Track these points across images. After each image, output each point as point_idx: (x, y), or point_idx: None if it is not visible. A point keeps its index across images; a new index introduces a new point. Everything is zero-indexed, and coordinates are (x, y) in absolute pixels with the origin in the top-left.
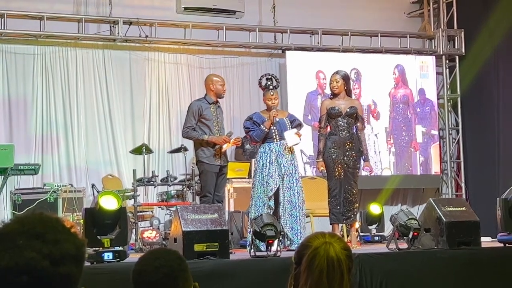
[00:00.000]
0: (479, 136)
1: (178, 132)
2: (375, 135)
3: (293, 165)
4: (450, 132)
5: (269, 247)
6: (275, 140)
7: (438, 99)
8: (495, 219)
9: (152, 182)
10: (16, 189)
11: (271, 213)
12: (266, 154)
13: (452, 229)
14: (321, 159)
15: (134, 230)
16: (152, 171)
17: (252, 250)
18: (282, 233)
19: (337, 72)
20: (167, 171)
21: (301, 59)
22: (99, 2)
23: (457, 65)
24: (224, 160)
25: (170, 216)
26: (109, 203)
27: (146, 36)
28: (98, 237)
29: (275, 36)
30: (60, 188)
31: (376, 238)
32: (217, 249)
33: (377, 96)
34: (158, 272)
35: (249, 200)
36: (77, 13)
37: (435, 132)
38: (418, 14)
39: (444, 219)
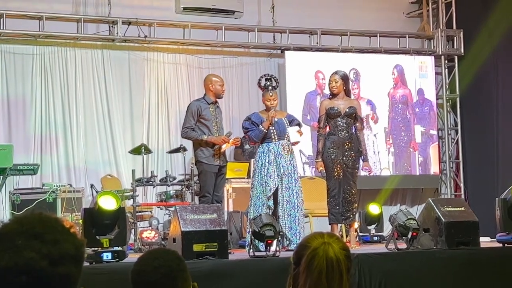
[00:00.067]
0: (478, 136)
1: (177, 132)
2: (374, 135)
3: (292, 165)
4: (449, 132)
5: (268, 247)
6: (273, 140)
7: (437, 99)
8: (494, 219)
9: (151, 182)
10: (15, 189)
11: (270, 213)
12: (265, 154)
13: (451, 229)
14: (320, 159)
15: (133, 230)
16: (151, 171)
17: (251, 250)
18: (281, 233)
19: (336, 72)
20: (166, 171)
21: (300, 59)
22: (98, 2)
23: (456, 65)
24: (223, 160)
25: (169, 216)
26: (108, 203)
27: (145, 36)
28: (97, 237)
29: (274, 36)
30: (59, 188)
31: (375, 238)
32: (216, 249)
33: (376, 96)
34: (157, 272)
35: (248, 200)
36: (76, 13)
37: (434, 132)
38: (417, 14)
39: (443, 219)
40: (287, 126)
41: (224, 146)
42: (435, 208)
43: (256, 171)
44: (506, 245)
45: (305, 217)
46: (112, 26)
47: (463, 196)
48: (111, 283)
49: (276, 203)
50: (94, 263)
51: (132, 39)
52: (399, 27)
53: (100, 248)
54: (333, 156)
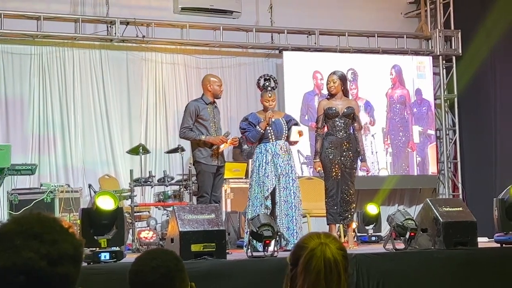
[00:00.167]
0: (476, 137)
1: (175, 132)
2: (372, 135)
3: (290, 165)
4: (447, 132)
5: (266, 248)
6: (271, 140)
7: (435, 99)
8: (492, 220)
9: (149, 182)
10: (13, 189)
11: (268, 213)
12: (262, 154)
13: (449, 229)
14: (318, 160)
15: (131, 230)
16: (149, 171)
17: (249, 250)
18: (279, 233)
19: (334, 73)
20: (164, 171)
21: (298, 59)
22: (96, 2)
23: (454, 65)
24: (221, 161)
25: (167, 216)
26: (106, 204)
27: (143, 36)
28: (95, 237)
29: (272, 37)
30: (57, 188)
31: (373, 238)
32: (214, 249)
33: (374, 97)
34: (154, 272)
35: (246, 201)
36: (74, 13)
37: (432, 132)
38: (415, 15)
39: (441, 220)
40: (284, 126)
41: (222, 146)
42: (433, 208)
43: (254, 171)
44: (504, 245)
45: (303, 217)
46: (110, 26)
47: (461, 196)
48: (109, 283)
49: (273, 203)
50: (92, 263)
51: (130, 39)
52: (397, 27)
53: (98, 248)
54: (331, 156)
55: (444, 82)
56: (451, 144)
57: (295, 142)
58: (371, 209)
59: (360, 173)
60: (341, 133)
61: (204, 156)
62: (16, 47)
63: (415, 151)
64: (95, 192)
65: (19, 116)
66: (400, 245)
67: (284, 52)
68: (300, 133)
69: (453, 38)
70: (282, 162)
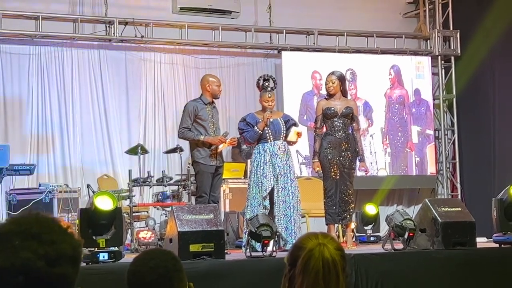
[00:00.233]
0: (475, 137)
1: (174, 132)
2: (371, 135)
3: (288, 165)
4: (446, 132)
5: (265, 248)
6: (269, 140)
7: (433, 99)
8: (490, 220)
9: (147, 183)
10: (11, 190)
11: (267, 213)
12: (260, 154)
13: (447, 229)
14: (317, 160)
15: (129, 230)
16: (148, 172)
17: (248, 250)
18: (277, 233)
19: (332, 73)
20: (162, 171)
21: (297, 59)
22: (94, 2)
23: (453, 65)
24: (219, 161)
25: (166, 216)
26: (104, 204)
27: (142, 36)
28: (94, 237)
29: (270, 37)
30: (55, 189)
31: (372, 238)
32: (212, 249)
33: (373, 97)
34: (152, 272)
35: (245, 201)
36: (73, 13)
37: (431, 133)
38: (413, 15)
39: (440, 220)
40: (282, 127)
41: (220, 146)
42: (432, 209)
43: (252, 171)
44: (502, 245)
45: (302, 217)
46: (108, 26)
47: (459, 197)
48: (107, 283)
49: (272, 203)
50: (90, 263)
51: (128, 39)
52: (396, 28)
53: (96, 249)
54: (329, 157)
55: (443, 82)
56: (450, 144)
57: (293, 143)
58: (370, 209)
59: (359, 173)
60: (339, 133)
61: (203, 156)
62: (14, 47)
63: (414, 151)
64: (93, 192)
65: (17, 116)
66: (399, 245)
67: (283, 52)
68: (299, 134)
69: (451, 38)
70: (281, 162)
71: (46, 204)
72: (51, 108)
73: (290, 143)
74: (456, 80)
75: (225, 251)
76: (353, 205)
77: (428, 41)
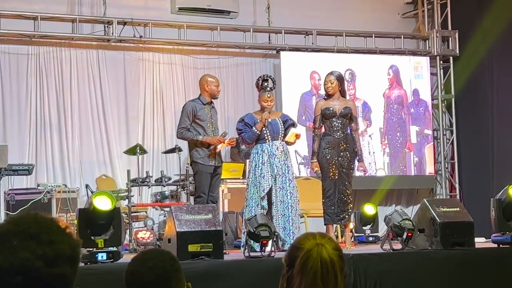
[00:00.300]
0: (473, 137)
1: (173, 132)
2: (370, 135)
3: (286, 165)
4: (444, 132)
5: (263, 248)
6: (267, 141)
7: (432, 99)
8: (489, 220)
9: (146, 183)
10: (9, 190)
11: (265, 213)
12: (258, 155)
13: (446, 229)
14: (316, 160)
15: (128, 230)
16: (146, 172)
17: (246, 250)
18: (276, 233)
19: (331, 73)
20: (161, 171)
21: (296, 59)
22: (93, 2)
23: (451, 65)
24: (218, 161)
25: (164, 216)
26: (103, 204)
27: (141, 37)
28: (92, 237)
29: (269, 37)
30: (54, 189)
31: (370, 238)
32: (211, 249)
33: (371, 97)
34: (151, 272)
35: (244, 201)
36: (71, 13)
37: (429, 133)
38: (412, 15)
39: (438, 220)
40: (281, 127)
41: (219, 147)
42: (430, 209)
43: (250, 171)
44: (501, 245)
45: (301, 217)
46: (107, 26)
47: (458, 197)
48: (106, 283)
49: (270, 203)
50: (89, 263)
51: (127, 39)
52: (395, 28)
53: (95, 249)
54: (328, 157)
55: (442, 83)
56: (448, 145)
57: (291, 144)
58: (369, 209)
59: (358, 173)
60: (338, 134)
61: (202, 156)
62: (13, 47)
63: (413, 151)
64: (92, 192)
65: (16, 116)
66: (398, 246)
67: (282, 52)
68: (297, 136)
69: (450, 38)
70: (279, 162)
71: (45, 204)
72: (49, 108)
73: (288, 143)
74: (454, 80)
75: (224, 251)
76: (351, 205)
77: (427, 41)
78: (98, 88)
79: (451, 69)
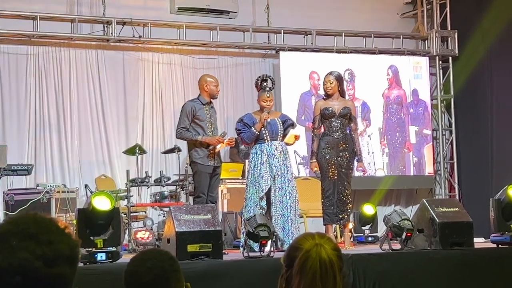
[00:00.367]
0: (473, 137)
1: (172, 132)
2: (369, 136)
3: (285, 165)
4: (444, 132)
5: (263, 248)
6: (266, 141)
7: (431, 99)
8: (488, 220)
9: (145, 183)
10: (9, 190)
11: (263, 213)
12: (257, 155)
13: (445, 229)
14: (315, 160)
15: (127, 230)
16: (146, 172)
17: (246, 250)
18: (275, 233)
19: (330, 73)
20: (160, 171)
21: (295, 59)
22: (92, 2)
23: (451, 66)
24: (217, 161)
25: (164, 216)
26: (102, 204)
27: (140, 37)
28: (91, 237)
29: (268, 37)
30: (53, 189)
31: (370, 238)
32: (210, 249)
33: (371, 97)
34: (149, 272)
35: (243, 201)
36: (71, 13)
37: (428, 133)
38: (411, 15)
39: (437, 220)
40: (280, 127)
41: (218, 147)
42: (429, 209)
43: (249, 172)
44: (500, 245)
45: (300, 217)
46: (106, 26)
47: (457, 197)
48: (105, 283)
49: (269, 203)
50: (88, 263)
51: (126, 39)
52: (394, 28)
53: (94, 249)
54: (327, 157)
55: (441, 83)
56: (448, 145)
57: (290, 145)
58: (368, 209)
59: (357, 173)
60: (337, 134)
61: (201, 156)
62: (12, 47)
63: (412, 151)
64: (91, 192)
65: (15, 116)
66: (397, 246)
67: (281, 52)
68: (297, 137)
69: (449, 38)
70: (278, 162)
71: (44, 204)
72: (48, 108)
73: (287, 145)
74: (454, 80)
75: (223, 251)
76: (351, 205)
77: (426, 41)
78: (97, 88)
79: (450, 69)
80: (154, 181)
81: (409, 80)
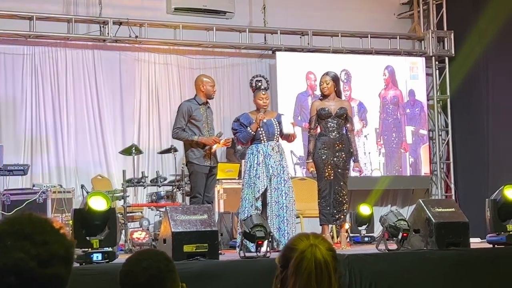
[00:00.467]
0: (469, 137)
1: (168, 132)
2: (365, 136)
3: (281, 165)
4: (440, 133)
5: (259, 248)
6: (262, 141)
7: (427, 100)
8: (484, 220)
9: (141, 183)
10: (5, 190)
11: (259, 214)
12: (253, 155)
13: (441, 230)
14: (311, 160)
15: (123, 231)
16: (142, 172)
17: (242, 251)
18: (271, 234)
19: (327, 73)
20: (156, 171)
21: (291, 60)
22: (89, 2)
23: (447, 66)
24: (214, 161)
25: (160, 217)
26: (98, 204)
27: (136, 37)
28: (87, 238)
29: (265, 37)
30: (49, 189)
31: (366, 239)
32: (206, 250)
33: (367, 97)
34: (145, 273)
35: (239, 201)
36: (67, 13)
37: (425, 133)
38: (408, 16)
39: (433, 220)
40: (276, 127)
41: (214, 147)
42: (426, 209)
43: (246, 172)
44: (496, 246)
45: (296, 217)
46: (103, 26)
47: (453, 197)
48: (101, 284)
49: (265, 204)
50: (84, 264)
51: (123, 40)
52: (390, 28)
53: (90, 249)
54: (324, 157)
55: (437, 83)
56: (444, 145)
57: (291, 136)
58: (364, 209)
59: (353, 173)
60: (334, 134)
61: (197, 156)
62: (8, 47)
63: (408, 151)
64: (87, 192)
65: (11, 117)
66: (393, 246)
67: (277, 53)
68: (293, 124)
69: (446, 39)
70: (274, 162)
71: (40, 204)
72: (45, 109)
73: (289, 137)
74: (450, 81)
75: (219, 251)
76: (347, 206)
77: (422, 41)
78: (93, 88)
79: (447, 69)
80: (151, 181)
81: (405, 80)
